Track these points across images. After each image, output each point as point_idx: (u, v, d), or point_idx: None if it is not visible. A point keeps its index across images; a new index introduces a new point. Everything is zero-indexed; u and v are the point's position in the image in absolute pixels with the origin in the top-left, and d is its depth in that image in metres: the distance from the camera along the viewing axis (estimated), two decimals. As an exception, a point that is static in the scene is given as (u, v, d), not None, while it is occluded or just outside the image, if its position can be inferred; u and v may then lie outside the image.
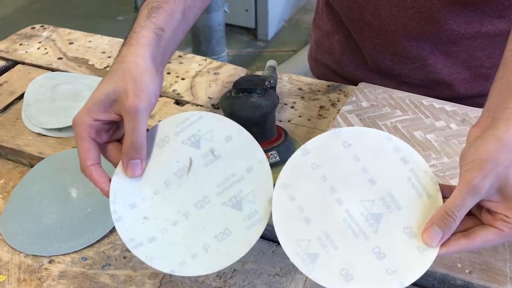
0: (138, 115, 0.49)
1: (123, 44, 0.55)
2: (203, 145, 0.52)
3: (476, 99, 0.83)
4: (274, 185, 0.50)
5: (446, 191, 0.47)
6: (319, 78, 0.95)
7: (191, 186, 0.51)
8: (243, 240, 0.49)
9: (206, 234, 0.49)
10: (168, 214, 0.50)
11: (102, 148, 0.53)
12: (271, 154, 0.63)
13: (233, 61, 2.54)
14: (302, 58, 2.33)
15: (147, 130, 0.53)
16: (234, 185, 0.51)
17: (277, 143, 0.65)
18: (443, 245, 0.45)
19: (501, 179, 0.43)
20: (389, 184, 0.48)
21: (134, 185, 0.51)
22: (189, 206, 0.51)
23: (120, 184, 0.51)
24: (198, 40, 2.12)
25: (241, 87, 0.63)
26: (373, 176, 0.48)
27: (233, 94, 0.64)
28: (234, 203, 0.50)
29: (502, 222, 0.44)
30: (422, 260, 0.45)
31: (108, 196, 0.51)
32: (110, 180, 0.51)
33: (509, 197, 0.44)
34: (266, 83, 0.66)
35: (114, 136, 0.54)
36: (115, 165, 0.52)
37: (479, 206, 0.45)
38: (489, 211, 0.45)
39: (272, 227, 0.59)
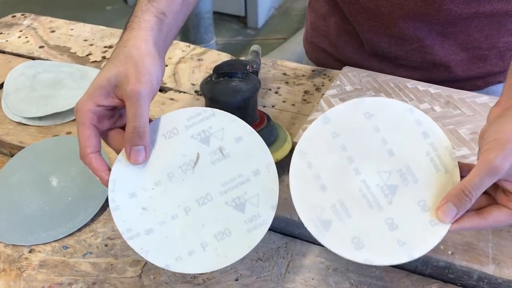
0: (139, 100, 0.48)
1: (125, 29, 0.54)
2: (212, 143, 0.52)
3: (474, 81, 0.82)
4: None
5: (464, 170, 0.47)
6: (315, 62, 0.94)
7: (195, 182, 0.51)
8: (243, 243, 0.48)
9: (206, 232, 0.49)
10: (168, 207, 0.49)
11: (104, 135, 0.52)
12: None
13: (223, 49, 2.52)
14: (293, 45, 2.33)
15: (153, 119, 0.52)
16: (239, 186, 0.50)
17: (259, 128, 0.64)
18: (455, 221, 0.45)
19: None
20: (408, 156, 0.48)
21: (136, 174, 0.50)
22: (190, 202, 0.50)
23: (120, 172, 0.50)
24: (186, 28, 2.10)
25: (221, 72, 0.63)
26: (392, 147, 0.48)
27: (213, 79, 0.63)
28: (237, 204, 0.50)
29: None
30: (433, 234, 0.45)
31: (107, 185, 0.49)
32: (109, 169, 0.50)
33: None
34: (248, 67, 0.65)
35: (117, 124, 0.53)
36: (118, 152, 0.51)
37: (495, 185, 0.45)
38: (505, 191, 0.45)
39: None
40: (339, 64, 0.88)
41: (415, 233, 0.46)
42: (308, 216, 0.47)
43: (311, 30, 0.94)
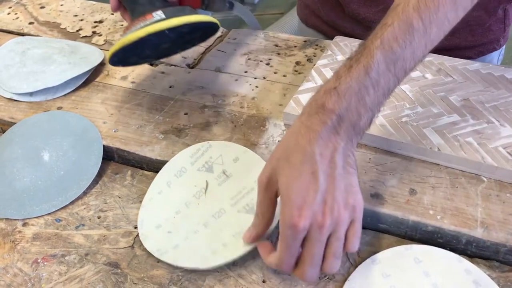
0: None
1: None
2: (215, 169, 0.60)
3: (440, 53, 0.81)
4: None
5: None
6: (305, 23, 0.96)
7: (208, 203, 0.57)
8: None
9: (224, 235, 0.54)
10: (189, 226, 0.55)
11: None
12: (157, 14, 0.62)
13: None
14: (289, 20, 2.30)
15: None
16: (245, 196, 0.57)
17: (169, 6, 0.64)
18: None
19: (274, 169, 0.47)
20: None
21: (158, 211, 0.57)
22: (207, 218, 0.56)
23: (145, 214, 0.58)
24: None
25: None
26: None
27: None
28: (247, 209, 0.56)
29: None
30: None
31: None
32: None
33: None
34: None
35: None
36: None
37: None
38: None
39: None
40: (319, 21, 0.90)
41: None
42: None
43: None
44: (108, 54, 0.64)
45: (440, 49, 0.80)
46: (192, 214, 0.56)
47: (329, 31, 0.90)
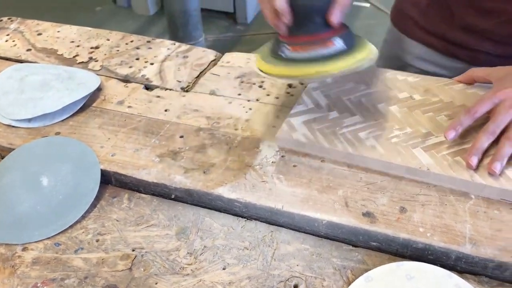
0: None
1: None
2: None
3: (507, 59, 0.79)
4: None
5: None
6: (400, 30, 0.94)
7: None
8: None
9: None
10: None
11: None
12: (337, 41, 0.61)
13: (213, 46, 2.52)
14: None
15: None
16: None
17: (341, 31, 0.62)
18: None
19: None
20: None
21: None
22: None
23: None
24: (174, 26, 2.11)
25: None
26: None
27: None
28: None
29: None
30: None
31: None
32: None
33: None
34: None
35: None
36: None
37: None
38: None
39: (242, 203, 0.61)
40: (423, 32, 0.89)
41: None
42: None
43: None
44: (262, 65, 0.63)
45: (506, 56, 0.80)
46: None
47: (438, 44, 0.89)
